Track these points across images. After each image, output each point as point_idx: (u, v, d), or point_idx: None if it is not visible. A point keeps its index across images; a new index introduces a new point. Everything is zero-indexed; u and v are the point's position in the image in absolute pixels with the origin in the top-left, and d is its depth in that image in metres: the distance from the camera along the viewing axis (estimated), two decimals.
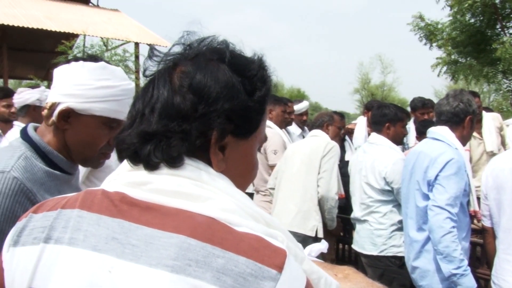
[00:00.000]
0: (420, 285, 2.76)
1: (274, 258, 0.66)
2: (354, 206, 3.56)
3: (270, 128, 4.28)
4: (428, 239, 2.65)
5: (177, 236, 0.67)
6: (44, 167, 1.31)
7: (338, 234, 4.33)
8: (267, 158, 4.19)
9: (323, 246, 1.25)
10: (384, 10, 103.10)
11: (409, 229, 2.83)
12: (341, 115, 4.36)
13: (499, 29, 12.96)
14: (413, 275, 2.83)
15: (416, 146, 3.18)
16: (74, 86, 1.30)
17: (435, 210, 2.52)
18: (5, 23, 11.76)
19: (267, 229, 0.73)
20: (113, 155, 1.27)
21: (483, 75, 13.44)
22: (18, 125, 3.24)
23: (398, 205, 3.25)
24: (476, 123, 2.91)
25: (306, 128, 5.55)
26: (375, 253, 3.31)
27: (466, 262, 2.49)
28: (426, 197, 2.65)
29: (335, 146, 3.69)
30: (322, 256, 1.22)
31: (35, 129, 1.39)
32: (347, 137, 5.38)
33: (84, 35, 12.86)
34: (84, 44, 13.47)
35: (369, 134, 4.38)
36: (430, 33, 13.79)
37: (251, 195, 4.42)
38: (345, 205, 4.17)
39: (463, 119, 2.72)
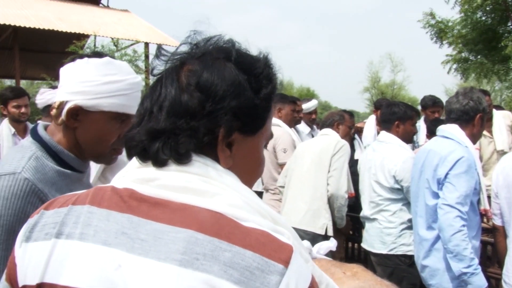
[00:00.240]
0: (430, 284, 2.75)
1: (281, 253, 0.67)
2: (363, 205, 3.55)
3: (280, 127, 4.28)
4: (437, 237, 2.64)
5: (185, 231, 0.68)
6: (55, 167, 1.31)
7: (347, 233, 4.32)
8: (276, 156, 4.20)
9: (331, 244, 1.26)
10: (395, 10, 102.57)
11: (418, 227, 2.81)
12: (351, 114, 4.35)
13: (510, 26, 12.83)
14: (422, 274, 2.81)
15: (426, 144, 3.16)
16: (80, 83, 1.29)
17: (445, 209, 2.51)
18: (17, 25, 11.88)
19: (274, 225, 0.74)
20: None
21: (494, 73, 13.32)
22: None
23: (407, 204, 3.23)
24: (486, 122, 2.89)
25: (315, 126, 5.55)
26: (384, 251, 3.30)
27: (476, 260, 2.47)
28: (436, 196, 2.64)
29: (346, 144, 3.69)
30: (331, 255, 1.23)
31: (45, 128, 1.39)
32: (356, 136, 5.36)
33: (95, 36, 12.96)
34: (94, 45, 13.57)
35: (378, 133, 4.37)
36: (440, 31, 13.70)
37: (260, 194, 4.43)
38: (354, 203, 4.16)
39: (473, 117, 2.70)
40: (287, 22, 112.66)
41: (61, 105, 1.31)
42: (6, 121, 4.18)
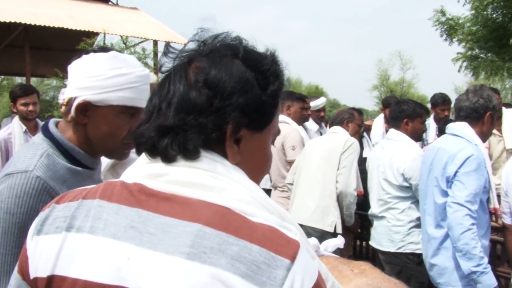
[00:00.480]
0: (438, 283, 2.74)
1: (288, 248, 0.68)
2: (371, 203, 3.54)
3: (288, 124, 4.28)
4: (446, 236, 2.62)
5: (193, 225, 0.69)
6: (66, 164, 1.32)
7: (356, 231, 4.31)
8: (285, 154, 4.20)
9: (339, 241, 1.26)
10: (404, 8, 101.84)
11: (427, 226, 2.80)
12: (360, 112, 4.34)
13: None
14: (431, 272, 2.80)
15: (435, 142, 3.14)
16: (87, 79, 1.29)
17: (454, 207, 2.50)
18: (27, 23, 11.97)
19: (281, 221, 0.75)
20: None
21: (505, 70, 13.19)
22: None
23: (416, 202, 3.22)
24: (496, 120, 2.86)
25: (323, 124, 5.54)
26: (392, 249, 3.29)
27: (486, 259, 2.46)
28: (445, 194, 2.62)
29: (355, 142, 3.69)
30: (339, 253, 1.23)
31: (56, 124, 1.39)
32: (365, 134, 5.35)
33: (104, 34, 13.03)
34: (104, 42, 13.65)
35: (387, 131, 4.35)
36: (450, 28, 13.59)
37: (268, 191, 4.43)
38: (362, 201, 4.15)
39: (482, 115, 2.67)
40: (295, 21, 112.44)
41: (70, 101, 1.31)
42: (17, 119, 4.20)
